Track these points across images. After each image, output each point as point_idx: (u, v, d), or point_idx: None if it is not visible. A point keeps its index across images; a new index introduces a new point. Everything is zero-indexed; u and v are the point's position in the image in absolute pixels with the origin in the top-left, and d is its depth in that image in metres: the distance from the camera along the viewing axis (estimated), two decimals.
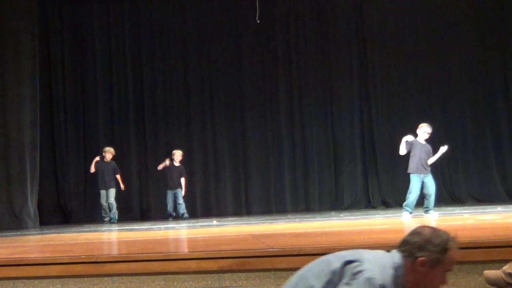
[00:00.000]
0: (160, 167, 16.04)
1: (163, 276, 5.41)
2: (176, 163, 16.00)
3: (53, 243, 9.14)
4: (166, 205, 16.04)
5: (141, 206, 17.37)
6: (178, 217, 15.60)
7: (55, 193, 17.12)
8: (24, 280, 5.54)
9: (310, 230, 9.54)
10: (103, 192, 15.58)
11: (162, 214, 16.41)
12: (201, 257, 5.51)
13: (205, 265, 5.41)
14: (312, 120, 17.54)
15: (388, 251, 3.34)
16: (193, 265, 5.42)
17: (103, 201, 15.56)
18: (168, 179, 15.94)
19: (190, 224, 13.29)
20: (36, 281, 5.53)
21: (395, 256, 3.26)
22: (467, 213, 12.19)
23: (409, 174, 12.20)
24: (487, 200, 16.49)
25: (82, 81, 17.56)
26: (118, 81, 17.61)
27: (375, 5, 17.77)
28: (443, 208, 14.15)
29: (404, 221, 11.21)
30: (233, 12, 17.68)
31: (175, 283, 5.39)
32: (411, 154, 12.12)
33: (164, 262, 5.47)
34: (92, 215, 16.62)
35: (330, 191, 17.43)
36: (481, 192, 17.02)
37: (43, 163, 15.91)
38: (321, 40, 17.78)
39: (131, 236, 10.12)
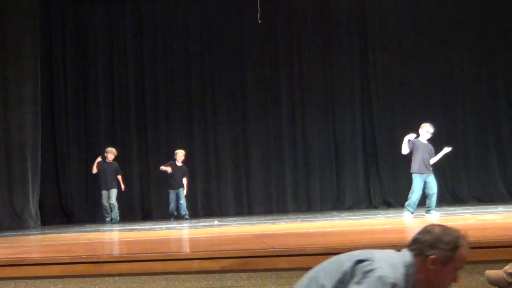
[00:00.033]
0: (162, 168, 15.99)
1: (165, 276, 5.41)
2: (179, 163, 15.98)
3: (54, 243, 9.14)
4: (168, 205, 16.01)
5: (142, 206, 17.38)
6: (180, 217, 15.59)
7: (57, 193, 17.13)
8: (26, 280, 5.53)
9: (311, 230, 9.53)
10: (104, 192, 15.56)
11: (163, 214, 16.42)
12: (202, 257, 5.51)
13: (207, 265, 5.40)
14: (313, 120, 17.54)
15: (399, 250, 3.34)
16: (194, 265, 5.42)
17: (104, 201, 15.55)
18: (170, 179, 15.91)
19: (192, 224, 13.28)
20: (38, 281, 5.52)
21: (406, 255, 3.26)
22: (469, 213, 12.18)
23: (411, 174, 12.20)
24: (489, 200, 16.49)
25: (84, 81, 17.57)
26: (120, 81, 17.62)
27: (377, 5, 17.78)
28: (445, 208, 14.15)
29: (405, 221, 11.20)
30: (235, 12, 17.68)
31: (176, 283, 5.38)
32: (414, 154, 12.10)
33: (166, 262, 5.47)
34: (93, 215, 16.63)
35: (332, 191, 17.43)
36: (482, 192, 17.02)
37: (45, 163, 15.90)
38: (322, 40, 17.78)
39: (133, 236, 10.12)
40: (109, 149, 15.82)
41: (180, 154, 16.00)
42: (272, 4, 17.08)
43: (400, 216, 12.03)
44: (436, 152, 12.36)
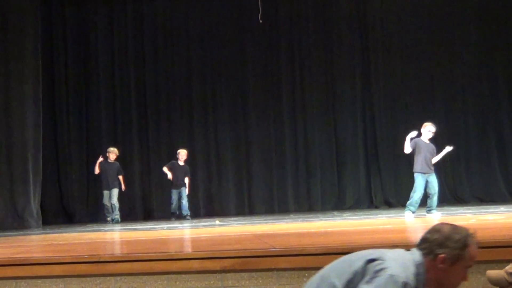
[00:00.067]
0: (165, 170, 15.94)
1: (166, 276, 5.41)
2: (181, 162, 15.96)
3: (56, 242, 9.15)
4: (170, 204, 15.99)
5: (144, 206, 17.39)
6: (181, 217, 15.58)
7: (58, 193, 17.15)
8: (27, 280, 5.54)
9: (312, 230, 9.53)
10: (106, 192, 15.54)
11: (165, 214, 16.42)
12: (203, 257, 5.51)
13: (208, 265, 5.40)
14: (314, 120, 17.55)
15: (408, 249, 3.34)
16: (195, 265, 5.42)
17: (106, 201, 15.52)
18: (173, 178, 15.89)
19: (193, 224, 13.28)
20: (39, 281, 5.53)
21: (416, 254, 3.27)
22: (470, 213, 12.17)
23: (413, 173, 12.19)
24: (490, 200, 16.49)
25: (85, 81, 17.59)
26: (121, 81, 17.63)
27: (378, 5, 17.77)
28: (446, 208, 14.14)
29: (406, 221, 11.19)
30: (236, 12, 17.69)
31: (177, 283, 5.38)
32: (416, 153, 12.08)
33: (167, 262, 5.46)
34: (94, 215, 16.64)
35: (333, 191, 17.43)
36: (484, 192, 17.01)
37: (46, 163, 15.93)
38: (323, 39, 17.78)
39: (134, 236, 10.11)
40: (111, 149, 15.81)
41: (182, 154, 15.99)
42: (273, 3, 17.08)
43: (401, 216, 12.02)
44: (438, 151, 12.35)
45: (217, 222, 13.26)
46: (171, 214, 15.89)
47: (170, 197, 15.98)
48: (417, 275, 3.17)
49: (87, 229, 13.13)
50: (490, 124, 17.34)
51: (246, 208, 17.29)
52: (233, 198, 17.36)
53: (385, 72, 17.65)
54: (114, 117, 17.52)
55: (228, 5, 17.69)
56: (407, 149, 12.12)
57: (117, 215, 15.36)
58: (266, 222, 12.50)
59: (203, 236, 9.03)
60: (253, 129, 17.53)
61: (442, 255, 3.20)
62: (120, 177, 15.68)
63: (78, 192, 17.15)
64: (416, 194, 11.93)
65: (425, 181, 11.99)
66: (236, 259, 5.40)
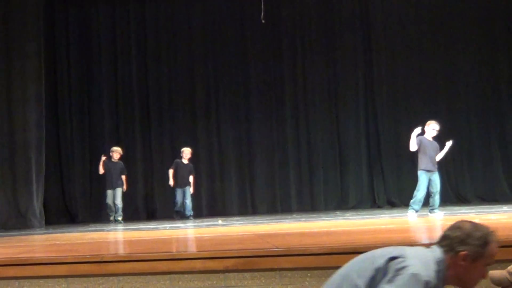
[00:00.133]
0: (170, 174, 15.89)
1: (169, 275, 5.41)
2: (185, 161, 15.92)
3: (58, 242, 9.16)
4: (173, 203, 15.92)
5: (146, 206, 17.39)
6: (184, 217, 15.55)
7: (61, 192, 17.15)
8: (30, 280, 5.54)
9: (315, 230, 9.54)
10: (109, 191, 15.48)
11: (167, 213, 16.40)
12: (206, 256, 5.51)
13: (211, 264, 5.41)
14: (317, 120, 17.55)
15: (428, 246, 3.34)
16: (198, 264, 5.42)
17: (109, 200, 15.45)
18: (177, 177, 15.86)
19: (196, 224, 13.30)
20: (42, 281, 5.53)
21: (436, 251, 3.26)
22: (473, 212, 12.17)
23: (415, 172, 12.21)
24: (493, 199, 16.50)
25: (88, 81, 17.59)
26: (124, 81, 17.64)
27: (381, 5, 17.76)
28: (449, 208, 14.15)
29: (410, 220, 11.20)
30: (238, 11, 17.70)
31: (180, 283, 5.39)
32: (421, 152, 12.10)
33: (170, 262, 5.47)
34: (97, 214, 16.64)
35: (336, 190, 17.43)
36: (486, 192, 17.02)
37: (49, 162, 15.93)
38: (326, 39, 17.79)
39: (137, 236, 10.12)
40: (115, 148, 15.78)
41: (186, 152, 15.93)
42: (275, 4, 17.09)
43: (404, 215, 12.03)
44: (440, 149, 12.37)
45: (219, 222, 13.26)
46: (174, 213, 15.83)
47: (174, 196, 15.94)
48: (437, 272, 3.17)
49: (90, 229, 13.14)
50: (493, 123, 17.34)
51: (249, 208, 17.29)
52: (235, 198, 17.37)
53: (387, 72, 17.65)
54: (116, 117, 17.53)
55: (231, 5, 17.70)
56: (413, 146, 12.11)
57: (120, 216, 15.32)
58: (269, 222, 12.52)
59: (205, 236, 9.04)
60: (255, 129, 17.53)
61: (463, 252, 3.20)
62: (123, 177, 15.64)
63: (80, 192, 17.15)
64: (420, 193, 11.95)
65: (428, 179, 12.00)
66: (238, 259, 5.40)
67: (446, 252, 3.25)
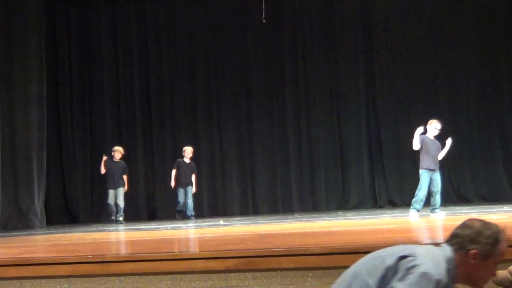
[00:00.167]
0: (173, 176, 15.88)
1: (170, 275, 5.42)
2: (187, 160, 15.89)
3: (60, 242, 9.17)
4: (175, 203, 15.88)
5: (148, 206, 17.38)
6: (186, 217, 15.54)
7: (62, 193, 17.14)
8: (31, 280, 5.55)
9: (316, 230, 9.54)
10: (111, 191, 15.42)
11: (169, 213, 16.40)
12: (208, 256, 5.51)
13: (212, 264, 5.41)
14: (318, 120, 17.54)
15: (438, 245, 3.34)
16: (200, 264, 5.43)
17: (111, 200, 15.40)
18: (179, 177, 15.84)
19: (197, 224, 13.29)
20: (43, 281, 5.54)
21: (446, 250, 3.26)
22: (474, 212, 12.15)
23: (417, 172, 12.21)
24: (494, 199, 16.47)
25: (89, 81, 17.58)
26: (125, 80, 17.63)
27: (382, 5, 17.75)
28: (450, 208, 14.14)
29: (411, 220, 11.20)
30: (240, 11, 17.68)
31: (182, 283, 5.39)
32: (423, 151, 12.10)
33: (171, 262, 5.47)
34: (99, 214, 16.62)
35: (337, 190, 17.42)
36: (488, 191, 16.99)
37: (50, 163, 15.92)
38: (327, 39, 17.77)
39: (138, 236, 10.13)
40: (117, 147, 15.76)
41: (188, 151, 15.90)
42: (277, 3, 17.08)
43: (405, 215, 12.03)
44: (442, 148, 12.38)
45: (221, 222, 13.26)
46: (176, 212, 15.80)
47: (175, 196, 15.93)
48: (448, 271, 3.17)
49: (91, 229, 13.15)
50: (494, 123, 17.32)
51: (250, 208, 17.28)
52: (237, 198, 17.36)
53: (388, 72, 17.64)
54: (118, 116, 17.52)
55: (232, 5, 17.69)
56: (416, 145, 12.12)
57: (121, 216, 15.30)
58: (270, 222, 12.52)
59: (207, 236, 9.04)
60: (257, 129, 17.52)
61: (474, 250, 3.20)
62: (125, 177, 15.62)
63: (82, 192, 17.15)
64: (422, 192, 11.96)
65: (429, 178, 12.01)
66: (240, 259, 5.41)
67: (456, 250, 3.24)
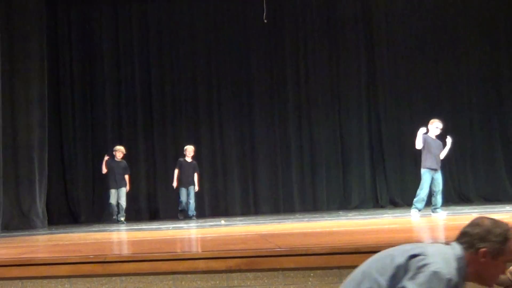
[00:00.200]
0: (175, 176, 15.88)
1: (172, 276, 5.42)
2: (188, 159, 15.87)
3: (61, 243, 9.17)
4: (177, 203, 15.87)
5: (149, 206, 17.38)
6: (187, 217, 15.53)
7: (64, 193, 17.14)
8: (33, 280, 5.55)
9: (318, 230, 9.54)
10: (113, 191, 15.39)
11: (170, 213, 16.40)
12: (209, 256, 5.51)
13: (214, 264, 5.41)
14: (320, 119, 17.53)
15: (448, 243, 3.34)
16: (201, 264, 5.43)
17: (113, 200, 15.38)
18: (181, 176, 15.82)
19: (199, 224, 13.29)
20: (45, 281, 5.54)
21: (456, 248, 3.26)
22: (476, 212, 12.12)
23: (418, 172, 12.22)
24: (495, 199, 16.47)
25: (90, 81, 17.59)
26: (126, 80, 17.63)
27: (383, 4, 17.75)
28: (451, 207, 14.14)
29: (412, 220, 11.20)
30: (241, 11, 17.69)
31: (183, 283, 5.39)
32: (425, 150, 12.12)
33: (173, 262, 5.47)
34: (100, 215, 16.62)
35: (338, 190, 17.41)
36: (489, 191, 16.98)
37: (51, 163, 15.91)
38: (328, 39, 17.77)
39: (140, 236, 10.13)
40: (118, 147, 15.75)
41: (189, 150, 15.88)
42: (278, 3, 17.08)
43: (407, 215, 12.03)
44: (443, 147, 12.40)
45: (222, 222, 13.26)
46: (179, 212, 15.80)
47: (178, 196, 15.92)
48: (458, 269, 3.17)
49: (93, 229, 13.14)
50: (496, 123, 17.32)
51: (252, 208, 17.28)
52: (238, 198, 17.35)
53: (390, 71, 17.64)
54: (119, 116, 17.52)
55: (233, 4, 17.69)
56: (419, 144, 12.15)
57: (123, 216, 15.29)
58: (272, 222, 12.52)
59: (208, 236, 9.04)
60: (258, 129, 17.51)
61: (484, 249, 3.20)
62: (126, 177, 15.61)
63: (83, 192, 17.15)
64: (423, 191, 11.96)
65: (431, 178, 12.01)
66: (241, 259, 5.41)
67: (466, 249, 3.24)
